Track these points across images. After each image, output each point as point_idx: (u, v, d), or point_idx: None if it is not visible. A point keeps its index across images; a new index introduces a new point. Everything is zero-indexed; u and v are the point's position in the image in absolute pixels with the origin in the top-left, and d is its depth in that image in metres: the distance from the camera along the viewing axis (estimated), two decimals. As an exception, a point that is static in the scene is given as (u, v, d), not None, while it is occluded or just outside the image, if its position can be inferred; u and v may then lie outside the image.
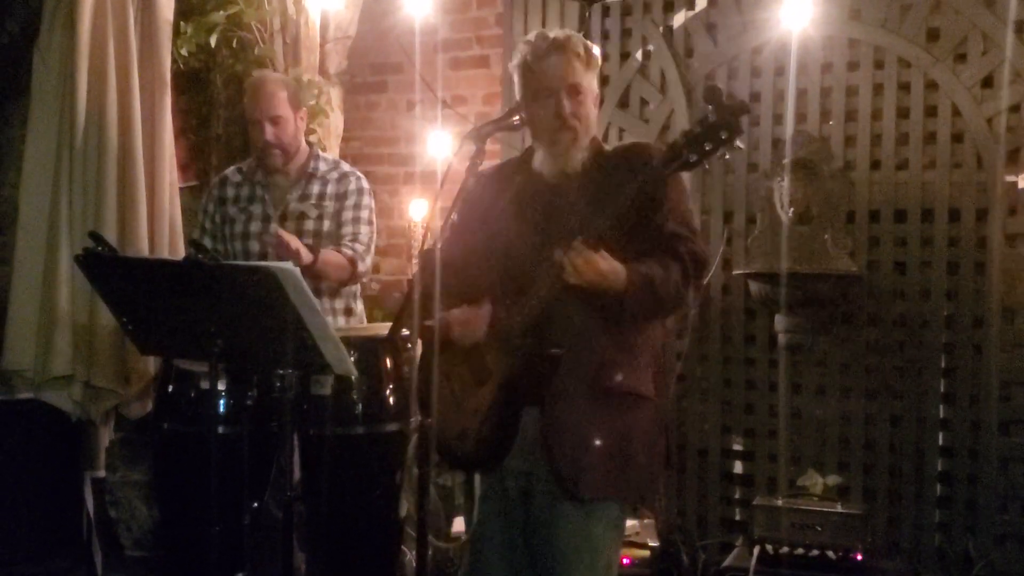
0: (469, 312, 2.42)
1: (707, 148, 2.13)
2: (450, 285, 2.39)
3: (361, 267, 3.47)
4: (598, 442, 2.33)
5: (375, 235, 3.59)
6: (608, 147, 2.54)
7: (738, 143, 2.12)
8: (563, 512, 2.36)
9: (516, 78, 2.46)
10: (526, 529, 2.46)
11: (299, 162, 3.53)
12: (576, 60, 2.39)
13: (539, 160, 2.47)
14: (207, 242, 3.49)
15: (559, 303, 2.31)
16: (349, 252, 3.43)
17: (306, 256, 3.25)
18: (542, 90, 2.40)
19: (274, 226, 3.41)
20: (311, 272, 3.34)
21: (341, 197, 3.50)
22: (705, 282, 2.40)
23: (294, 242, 3.25)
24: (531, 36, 2.46)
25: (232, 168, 3.67)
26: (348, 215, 3.52)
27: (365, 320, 3.74)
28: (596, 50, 2.46)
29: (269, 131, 3.41)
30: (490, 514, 2.52)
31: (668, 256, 2.32)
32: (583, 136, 2.42)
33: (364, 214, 3.54)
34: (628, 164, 2.35)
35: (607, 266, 2.23)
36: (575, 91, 2.39)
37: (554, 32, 2.45)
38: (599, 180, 2.36)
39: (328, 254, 3.38)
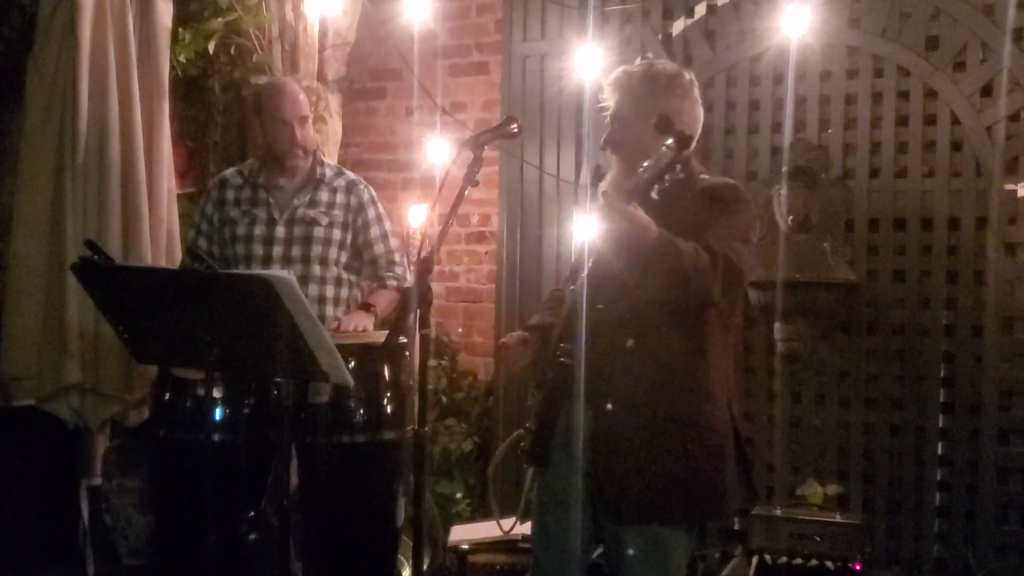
0: (516, 339, 2.62)
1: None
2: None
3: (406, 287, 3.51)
4: (640, 469, 2.38)
5: None
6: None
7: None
8: (610, 529, 2.48)
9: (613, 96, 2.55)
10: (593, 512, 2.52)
11: (305, 166, 3.50)
12: (627, 90, 2.49)
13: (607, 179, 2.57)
14: (203, 243, 3.47)
15: (599, 319, 2.40)
16: (395, 283, 3.51)
17: (370, 324, 3.36)
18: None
19: (332, 314, 3.40)
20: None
21: (355, 210, 3.49)
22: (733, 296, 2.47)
23: (354, 324, 3.32)
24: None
25: (231, 170, 3.61)
26: (375, 231, 3.53)
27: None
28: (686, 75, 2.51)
29: (299, 132, 3.39)
30: (548, 504, 2.58)
31: (703, 246, 2.30)
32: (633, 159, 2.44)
33: (387, 226, 3.58)
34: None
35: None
36: (616, 118, 2.50)
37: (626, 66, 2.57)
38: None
39: (381, 298, 3.47)
